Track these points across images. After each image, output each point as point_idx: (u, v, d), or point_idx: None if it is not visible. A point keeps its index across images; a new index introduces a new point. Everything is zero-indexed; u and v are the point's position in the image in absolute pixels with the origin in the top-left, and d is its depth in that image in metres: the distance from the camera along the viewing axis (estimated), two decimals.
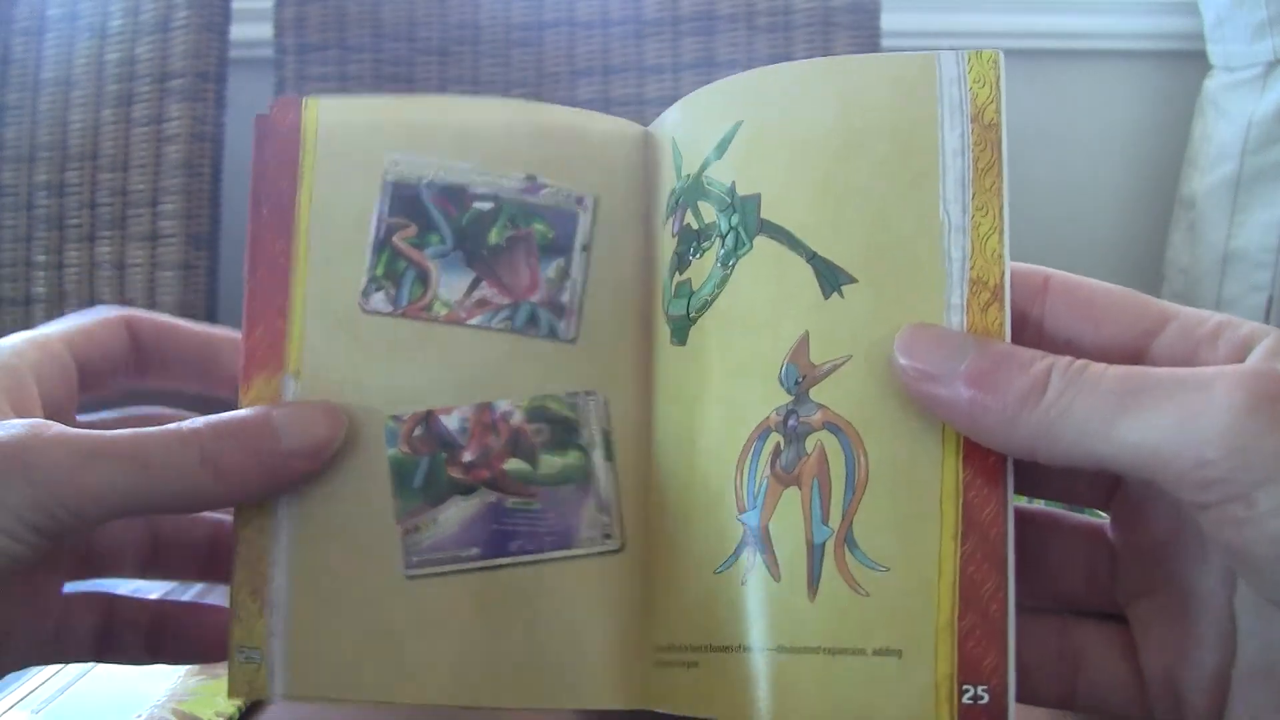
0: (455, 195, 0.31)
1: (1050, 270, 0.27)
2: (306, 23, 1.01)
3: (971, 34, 1.31)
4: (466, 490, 0.30)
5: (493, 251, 0.31)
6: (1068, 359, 0.24)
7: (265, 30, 1.01)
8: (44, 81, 1.00)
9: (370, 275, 0.31)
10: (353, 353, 0.30)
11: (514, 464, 0.30)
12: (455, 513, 0.29)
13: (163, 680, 0.37)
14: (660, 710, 0.28)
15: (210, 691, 0.36)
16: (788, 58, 1.01)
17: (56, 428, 0.26)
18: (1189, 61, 1.26)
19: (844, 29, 1.01)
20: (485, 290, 0.31)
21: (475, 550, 0.29)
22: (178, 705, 0.35)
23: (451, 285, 0.31)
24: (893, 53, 0.28)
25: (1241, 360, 0.24)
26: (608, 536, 0.30)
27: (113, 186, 0.98)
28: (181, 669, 0.38)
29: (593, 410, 0.31)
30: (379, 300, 0.31)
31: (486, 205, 0.31)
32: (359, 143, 0.31)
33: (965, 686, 0.24)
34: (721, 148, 0.29)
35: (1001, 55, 0.27)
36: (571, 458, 0.30)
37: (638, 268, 0.31)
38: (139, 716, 0.35)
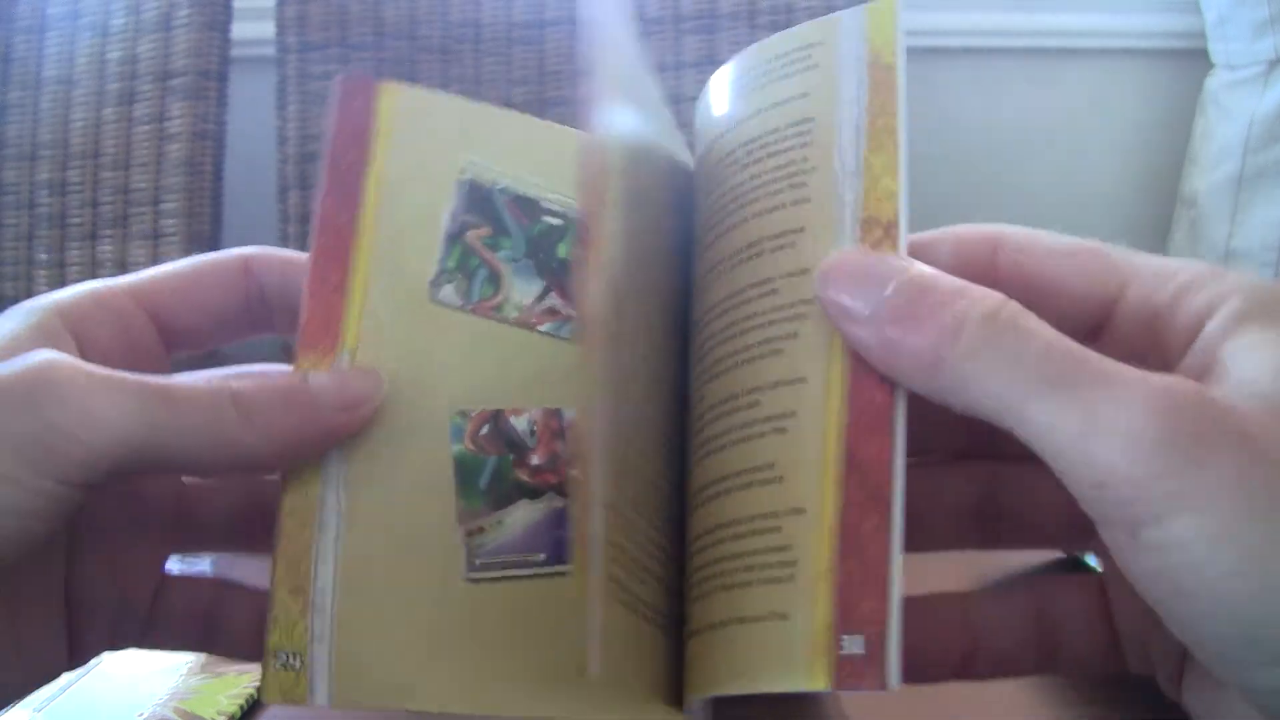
0: (528, 206, 0.31)
1: (1000, 233, 0.25)
2: (308, 21, 1.01)
3: (972, 32, 1.31)
4: (534, 494, 0.29)
5: (561, 265, 0.31)
6: (997, 299, 0.21)
7: (267, 29, 1.01)
8: (46, 80, 1.00)
9: (442, 266, 0.30)
10: (417, 341, 0.29)
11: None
12: (521, 516, 0.28)
13: (164, 679, 0.37)
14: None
15: (212, 690, 0.36)
16: None
17: (72, 359, 0.23)
18: (1190, 60, 1.26)
19: None
20: (554, 300, 0.31)
21: (541, 555, 0.28)
22: (180, 704, 0.35)
23: (523, 290, 0.30)
24: (803, 24, 0.28)
25: (1200, 328, 0.22)
26: None
27: (115, 185, 0.98)
28: (183, 668, 0.38)
29: None
30: (449, 293, 0.30)
31: (556, 221, 0.31)
32: (436, 137, 0.31)
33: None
34: None
35: (899, 2, 0.26)
36: None
37: None
38: (141, 715, 0.35)
